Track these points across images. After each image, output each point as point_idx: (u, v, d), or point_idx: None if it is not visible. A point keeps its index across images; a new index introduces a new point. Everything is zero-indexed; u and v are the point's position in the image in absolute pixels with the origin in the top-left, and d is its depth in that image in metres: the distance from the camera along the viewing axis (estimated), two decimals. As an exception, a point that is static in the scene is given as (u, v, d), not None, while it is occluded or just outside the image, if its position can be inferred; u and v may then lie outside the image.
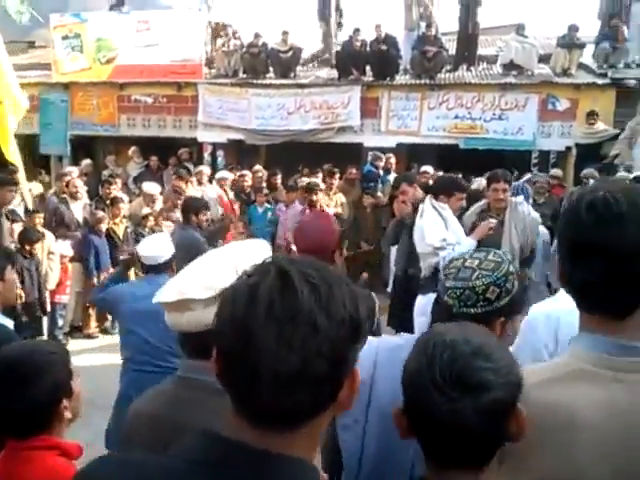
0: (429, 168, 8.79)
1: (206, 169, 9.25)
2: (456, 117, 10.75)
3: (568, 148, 10.33)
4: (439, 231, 4.19)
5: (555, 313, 1.94)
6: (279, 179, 9.21)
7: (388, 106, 11.07)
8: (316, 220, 2.58)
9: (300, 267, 0.82)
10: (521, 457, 1.13)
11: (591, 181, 5.98)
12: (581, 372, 1.10)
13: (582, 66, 11.04)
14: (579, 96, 10.30)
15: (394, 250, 5.22)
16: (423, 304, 3.80)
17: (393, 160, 9.64)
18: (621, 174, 7.53)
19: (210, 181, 8.87)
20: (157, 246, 3.39)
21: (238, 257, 1.42)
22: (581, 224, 1.08)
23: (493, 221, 4.40)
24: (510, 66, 10.90)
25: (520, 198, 5.00)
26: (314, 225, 2.50)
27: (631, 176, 7.20)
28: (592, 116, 9.77)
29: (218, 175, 9.06)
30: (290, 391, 0.78)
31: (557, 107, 10.34)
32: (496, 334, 1.53)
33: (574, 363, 1.13)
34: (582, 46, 10.90)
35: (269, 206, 8.33)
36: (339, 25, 12.64)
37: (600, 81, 10.28)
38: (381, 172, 9.45)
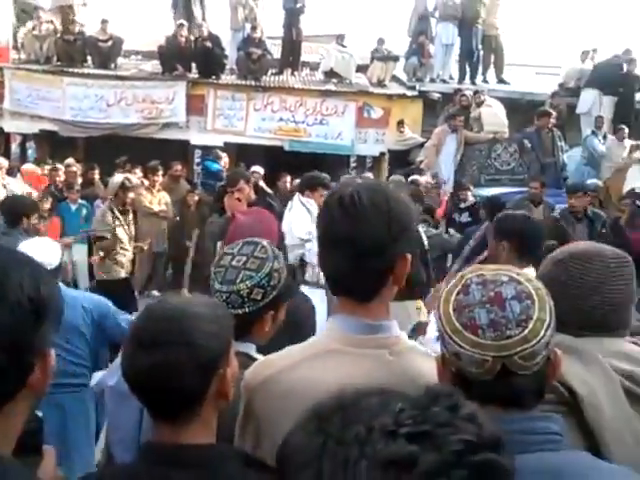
0: (259, 168, 8.88)
1: (4, 161, 8.42)
2: (281, 120, 11.06)
3: (382, 154, 11.14)
4: (305, 224, 4.36)
5: None
6: (97, 174, 8.71)
7: (214, 104, 11.04)
8: (259, 220, 2.44)
9: None
10: (270, 425, 1.23)
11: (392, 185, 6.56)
12: (331, 350, 1.22)
13: (395, 78, 12.00)
14: (391, 106, 11.16)
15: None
16: None
17: (227, 159, 9.64)
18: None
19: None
20: (46, 251, 2.90)
21: None
22: (331, 218, 1.21)
23: None
24: (331, 74, 11.48)
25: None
26: (258, 226, 2.33)
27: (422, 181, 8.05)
28: (401, 125, 10.63)
29: (23, 168, 8.33)
30: None
31: (372, 115, 11.10)
32: (266, 327, 1.63)
33: (327, 342, 1.24)
34: (396, 59, 11.82)
35: (83, 203, 7.84)
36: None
37: (409, 93, 11.25)
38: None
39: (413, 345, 1.28)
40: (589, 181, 8.27)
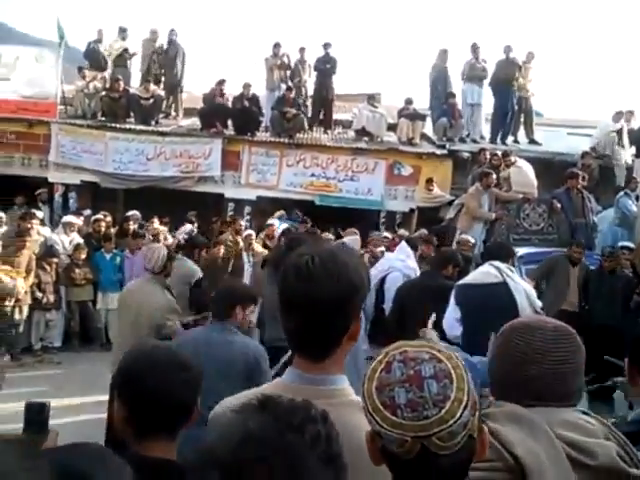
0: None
1: (39, 213, 8.78)
2: (312, 175, 11.33)
3: (412, 210, 11.25)
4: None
5: None
6: (132, 225, 8.99)
7: (249, 160, 11.40)
8: None
9: None
10: None
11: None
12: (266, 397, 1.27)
13: (425, 137, 12.21)
14: (421, 164, 11.33)
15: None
16: None
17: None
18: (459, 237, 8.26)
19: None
20: None
21: None
22: (287, 282, 1.28)
23: None
24: (362, 132, 11.77)
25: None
26: None
27: (472, 241, 7.93)
28: (430, 183, 10.73)
29: (64, 219, 8.64)
30: None
31: (402, 172, 11.28)
32: None
33: (270, 388, 1.31)
34: (423, 118, 12.06)
35: (117, 252, 8.08)
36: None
37: (439, 152, 11.42)
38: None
39: (353, 400, 1.29)
40: (621, 243, 8.17)
